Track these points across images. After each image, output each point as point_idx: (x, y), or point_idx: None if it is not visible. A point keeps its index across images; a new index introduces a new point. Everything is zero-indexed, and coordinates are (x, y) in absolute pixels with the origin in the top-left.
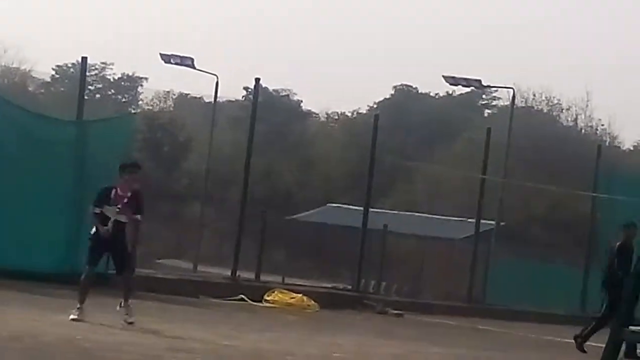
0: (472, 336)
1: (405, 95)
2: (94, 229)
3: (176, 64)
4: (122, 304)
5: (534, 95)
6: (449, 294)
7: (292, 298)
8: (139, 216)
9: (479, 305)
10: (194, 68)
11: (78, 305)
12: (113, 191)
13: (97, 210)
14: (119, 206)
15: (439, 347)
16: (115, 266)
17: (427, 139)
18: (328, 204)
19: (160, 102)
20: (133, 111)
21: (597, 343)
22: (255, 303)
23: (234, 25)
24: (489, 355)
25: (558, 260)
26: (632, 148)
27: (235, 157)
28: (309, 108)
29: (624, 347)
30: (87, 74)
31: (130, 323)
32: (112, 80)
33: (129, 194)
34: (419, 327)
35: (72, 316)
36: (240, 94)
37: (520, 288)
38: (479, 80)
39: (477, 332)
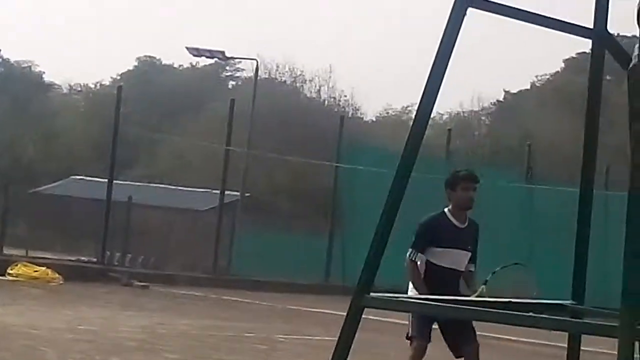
0: (218, 307)
1: (148, 67)
2: (411, 288)
3: None
4: None
5: (278, 66)
6: (195, 266)
7: (36, 271)
8: (472, 266)
9: (224, 276)
10: None
11: None
12: (443, 222)
13: (416, 259)
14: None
15: (186, 319)
16: (453, 337)
17: (171, 110)
18: (71, 177)
19: None
20: None
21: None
22: None
23: None
24: (235, 326)
25: (302, 230)
26: (374, 119)
27: None
28: (52, 80)
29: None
30: None
31: None
32: None
33: (464, 226)
34: (165, 299)
35: None
36: None
37: (265, 258)
38: (223, 52)
39: (223, 303)
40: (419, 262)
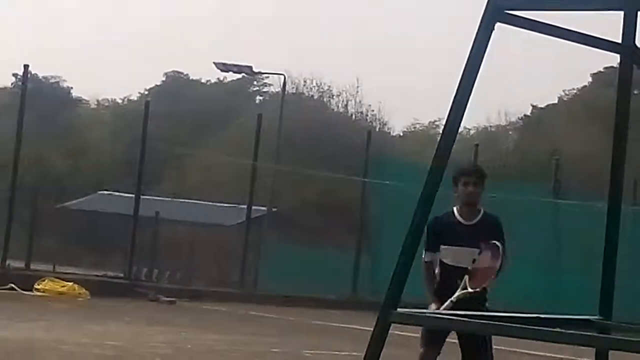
0: (245, 322)
1: (176, 82)
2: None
3: None
4: None
5: (305, 81)
6: (222, 281)
7: (64, 286)
8: (497, 263)
9: (252, 291)
10: None
11: None
12: (447, 220)
13: (426, 258)
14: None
15: (213, 334)
16: (468, 350)
17: (199, 125)
18: (99, 192)
19: None
20: None
21: None
22: (25, 292)
23: (3, 11)
24: (262, 341)
25: (330, 245)
26: (401, 134)
27: (4, 145)
28: (79, 95)
29: None
30: None
31: None
32: None
33: (472, 222)
34: (192, 314)
35: None
36: (9, 81)
37: (292, 274)
38: (250, 67)
39: (250, 318)
40: (429, 261)
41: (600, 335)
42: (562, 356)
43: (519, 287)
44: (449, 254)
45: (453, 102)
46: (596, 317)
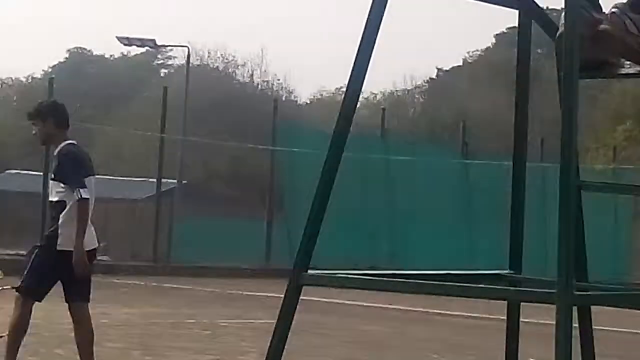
0: (160, 295)
1: (80, 58)
2: None
3: None
4: None
5: (209, 53)
6: (134, 255)
7: None
8: (63, 194)
9: (164, 264)
10: None
11: None
12: None
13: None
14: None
15: (128, 308)
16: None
17: (105, 101)
18: (7, 171)
19: None
20: None
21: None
22: None
23: None
24: (177, 313)
25: (242, 214)
26: (308, 102)
27: None
28: None
29: None
30: None
31: None
32: None
33: (54, 155)
34: (106, 289)
35: None
36: None
37: (205, 245)
38: (153, 40)
39: (164, 291)
40: None
41: (508, 287)
42: (477, 314)
43: (431, 246)
44: None
45: (353, 66)
46: (506, 271)
